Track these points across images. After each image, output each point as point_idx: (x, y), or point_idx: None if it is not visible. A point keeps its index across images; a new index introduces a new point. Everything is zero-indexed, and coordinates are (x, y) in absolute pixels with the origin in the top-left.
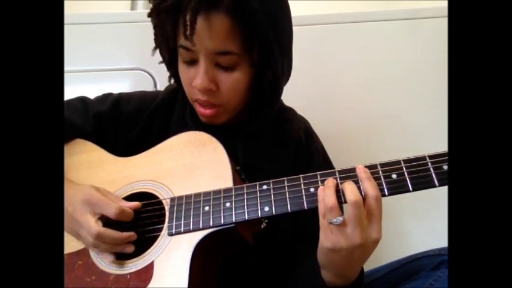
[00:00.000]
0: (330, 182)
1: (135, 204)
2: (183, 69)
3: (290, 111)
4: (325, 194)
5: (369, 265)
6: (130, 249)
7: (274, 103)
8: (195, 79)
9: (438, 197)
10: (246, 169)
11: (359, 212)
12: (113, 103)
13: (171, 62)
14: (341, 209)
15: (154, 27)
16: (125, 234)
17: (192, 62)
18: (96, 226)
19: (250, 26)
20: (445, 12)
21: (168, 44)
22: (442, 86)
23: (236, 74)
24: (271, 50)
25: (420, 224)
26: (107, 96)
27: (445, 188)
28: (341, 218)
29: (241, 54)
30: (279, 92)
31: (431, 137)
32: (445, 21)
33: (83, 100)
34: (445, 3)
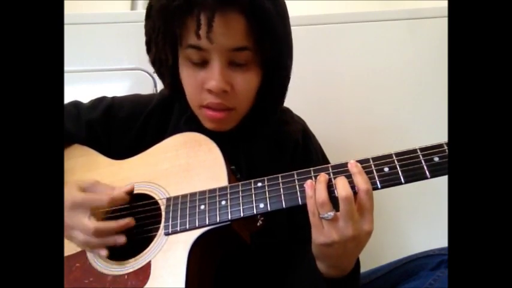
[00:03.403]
0: (322, 177)
1: (128, 187)
2: (188, 73)
3: (287, 113)
4: (317, 189)
5: (369, 265)
6: (121, 239)
7: (279, 106)
8: (207, 81)
9: (438, 197)
10: (248, 174)
11: (350, 207)
12: (105, 109)
13: (171, 67)
14: (335, 203)
15: (155, 30)
16: (123, 221)
17: (202, 64)
18: (91, 223)
19: (265, 25)
20: (445, 12)
21: (172, 47)
22: (442, 85)
23: (249, 74)
24: (282, 49)
25: (420, 224)
26: (99, 101)
27: (445, 188)
28: (332, 213)
29: (255, 51)
30: (285, 94)
31: (431, 136)
32: (445, 21)
33: (76, 106)
34: (445, 3)
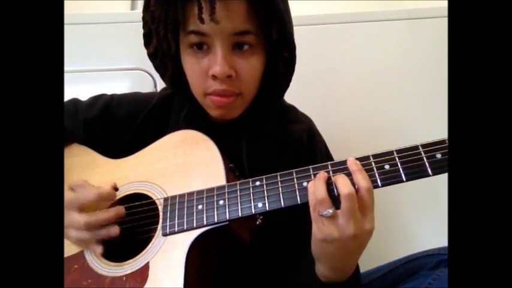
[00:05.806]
0: (321, 174)
1: (112, 183)
2: (192, 61)
3: (292, 111)
4: (316, 186)
5: (370, 265)
6: (114, 230)
7: (284, 92)
8: (211, 67)
9: (438, 197)
10: (250, 170)
11: (353, 205)
12: (103, 107)
13: (174, 56)
14: (334, 201)
15: (155, 20)
16: (112, 210)
17: (205, 51)
18: (81, 218)
19: (267, 8)
20: (445, 12)
21: (174, 35)
22: (442, 85)
23: (253, 59)
24: (288, 30)
25: (420, 223)
26: (97, 99)
27: (446, 188)
28: (331, 210)
29: (259, 34)
30: (291, 78)
31: (431, 136)
32: (445, 21)
33: (74, 104)
34: (445, 3)
